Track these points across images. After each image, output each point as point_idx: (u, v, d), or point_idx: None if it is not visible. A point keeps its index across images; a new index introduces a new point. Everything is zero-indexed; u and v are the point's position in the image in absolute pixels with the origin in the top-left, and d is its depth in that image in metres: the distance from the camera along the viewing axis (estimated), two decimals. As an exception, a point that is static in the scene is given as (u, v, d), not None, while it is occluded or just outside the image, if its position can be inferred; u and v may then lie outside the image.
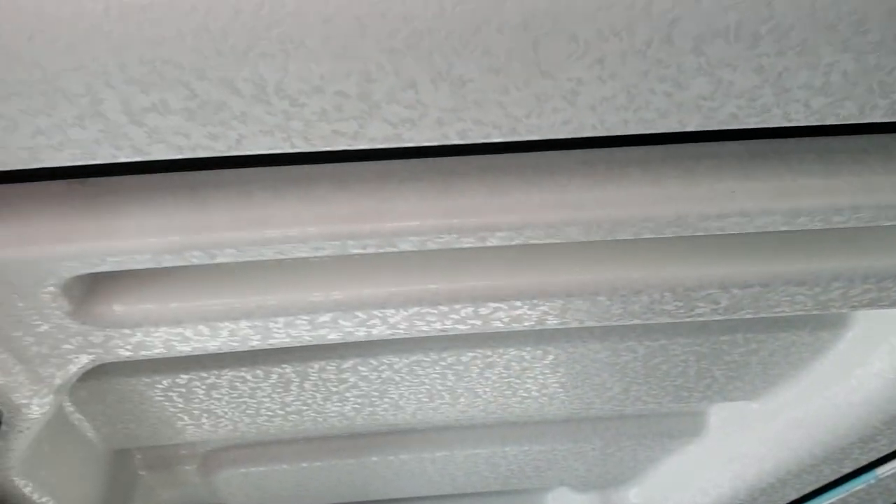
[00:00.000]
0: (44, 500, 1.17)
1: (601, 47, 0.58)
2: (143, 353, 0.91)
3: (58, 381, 0.92)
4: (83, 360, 0.91)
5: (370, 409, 1.35)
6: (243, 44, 0.55)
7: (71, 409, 1.23)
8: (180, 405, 1.26)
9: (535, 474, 1.71)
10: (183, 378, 1.19)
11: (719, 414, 1.56)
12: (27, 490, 1.12)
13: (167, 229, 0.72)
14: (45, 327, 0.83)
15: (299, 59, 0.56)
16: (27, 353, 0.86)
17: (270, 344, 0.93)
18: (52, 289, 0.78)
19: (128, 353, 0.91)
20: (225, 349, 0.93)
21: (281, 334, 0.91)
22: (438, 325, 0.93)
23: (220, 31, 0.54)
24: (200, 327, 0.88)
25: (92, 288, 0.84)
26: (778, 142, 0.77)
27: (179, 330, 0.88)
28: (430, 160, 0.76)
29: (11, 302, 0.78)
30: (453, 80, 0.59)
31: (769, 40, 0.57)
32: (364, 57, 0.57)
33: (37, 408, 0.92)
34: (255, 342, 0.92)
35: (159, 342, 0.90)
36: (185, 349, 0.92)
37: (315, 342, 0.94)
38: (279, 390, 1.25)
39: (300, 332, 0.91)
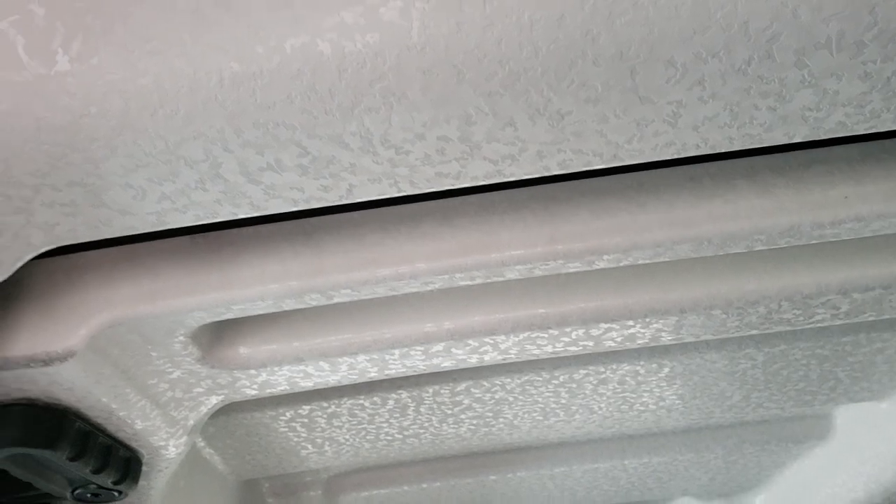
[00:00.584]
0: None
1: (700, 69, 0.57)
2: (269, 390, 0.95)
3: (191, 422, 0.97)
4: (213, 401, 0.96)
5: (485, 429, 1.36)
6: (349, 101, 0.57)
7: (202, 444, 1.29)
8: (303, 435, 1.30)
9: (657, 486, 1.68)
10: (305, 409, 1.23)
11: (846, 415, 1.50)
12: None
13: (286, 275, 0.76)
14: (177, 373, 0.88)
15: (402, 110, 0.58)
16: (162, 398, 0.91)
17: (387, 374, 0.96)
18: (181, 338, 0.82)
19: (254, 392, 0.95)
20: (345, 382, 0.96)
21: (397, 365, 0.94)
22: (549, 349, 0.94)
23: (327, 92, 0.56)
24: (321, 363, 0.91)
25: (218, 334, 0.89)
26: (890, 142, 0.74)
27: (301, 367, 0.91)
28: (531, 189, 0.77)
29: (146, 352, 0.83)
30: (551, 115, 0.60)
31: (874, 47, 0.56)
32: (463, 102, 0.58)
33: (173, 448, 0.97)
34: (373, 374, 0.95)
35: (283, 379, 0.93)
36: (307, 385, 0.95)
37: (429, 370, 0.96)
38: (396, 415, 1.28)
39: (415, 361, 0.94)
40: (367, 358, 0.92)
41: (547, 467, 1.55)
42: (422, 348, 0.91)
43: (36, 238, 0.65)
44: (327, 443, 1.34)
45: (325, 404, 1.23)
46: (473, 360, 0.95)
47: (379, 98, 0.57)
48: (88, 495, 0.94)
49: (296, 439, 1.32)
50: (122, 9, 0.54)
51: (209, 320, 0.79)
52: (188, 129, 0.58)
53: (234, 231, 0.78)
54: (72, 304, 0.76)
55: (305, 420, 1.26)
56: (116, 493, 0.95)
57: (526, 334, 0.90)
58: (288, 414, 1.24)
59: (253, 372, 0.91)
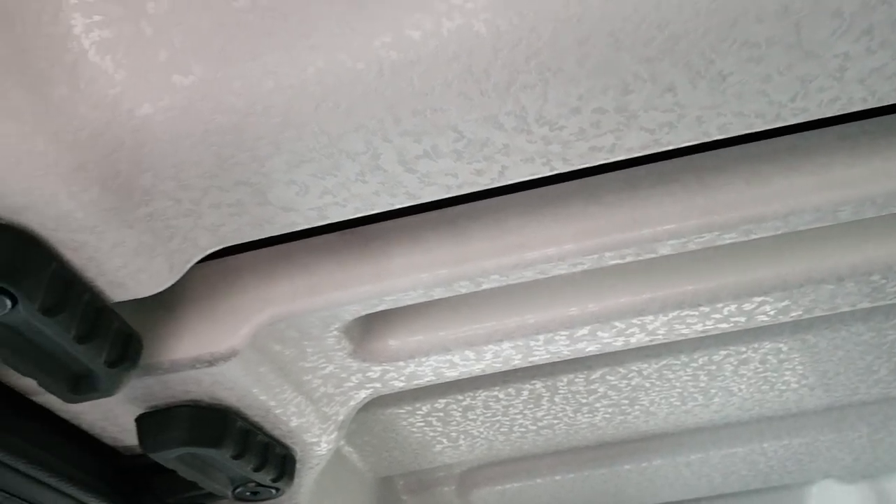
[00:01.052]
0: None
1: (868, 18, 0.55)
2: (415, 382, 0.96)
3: (341, 418, 0.99)
4: (362, 395, 0.97)
5: (620, 417, 1.34)
6: (504, 80, 0.57)
7: (342, 442, 1.32)
8: (439, 429, 1.31)
9: (797, 468, 1.62)
10: (441, 403, 1.24)
11: None
12: None
13: (435, 264, 0.76)
14: (329, 368, 0.90)
15: (558, 84, 0.57)
16: (315, 393, 0.93)
17: (531, 361, 0.95)
18: (335, 332, 0.84)
19: (401, 385, 0.96)
20: (489, 371, 0.96)
21: (541, 351, 0.93)
22: (699, 327, 0.91)
23: (483, 73, 0.56)
24: (467, 352, 0.91)
25: (368, 328, 0.90)
26: None
27: (448, 357, 0.92)
28: (679, 160, 0.75)
29: (302, 349, 0.85)
30: (712, 77, 0.58)
31: None
32: (620, 70, 0.57)
33: (325, 444, 0.99)
34: (517, 361, 0.95)
35: (429, 370, 0.94)
36: (452, 374, 0.96)
37: (574, 356, 0.95)
38: (530, 406, 1.27)
39: (559, 347, 0.93)
40: (512, 345, 0.91)
41: (683, 454, 1.52)
42: (566, 333, 0.90)
43: (203, 240, 0.68)
44: (462, 436, 1.35)
45: (460, 397, 1.23)
46: (619, 344, 0.93)
47: (535, 74, 0.57)
48: (248, 493, 0.97)
49: (431, 434, 1.33)
50: (281, 7, 0.55)
51: (362, 313, 0.80)
52: (349, 121, 0.59)
53: (380, 225, 0.79)
54: (232, 304, 0.78)
55: (441, 414, 1.27)
56: (274, 491, 0.97)
57: (675, 313, 0.88)
58: (424, 408, 1.25)
59: (401, 364, 0.92)
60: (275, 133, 0.59)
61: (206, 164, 0.61)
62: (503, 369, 0.96)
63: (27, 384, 0.81)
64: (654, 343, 0.94)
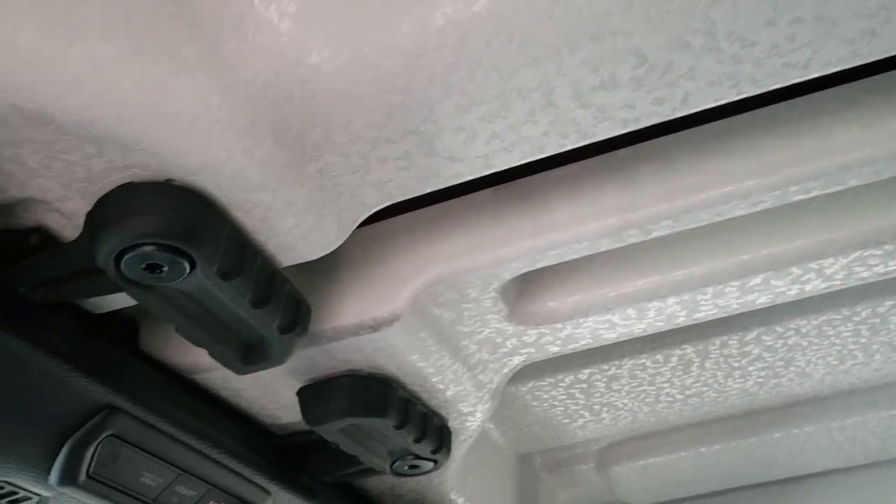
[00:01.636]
0: (462, 501, 1.22)
1: None
2: (571, 346, 0.92)
3: (494, 385, 0.96)
4: (515, 362, 0.94)
5: (774, 381, 1.27)
6: None
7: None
8: (581, 401, 1.27)
9: (964, 431, 1.51)
10: (584, 373, 1.20)
11: None
12: (454, 496, 1.18)
13: (601, 213, 0.72)
14: (485, 333, 0.87)
15: (753, -8, 0.53)
16: (471, 360, 0.90)
17: (696, 319, 0.90)
18: (493, 294, 0.81)
19: (556, 349, 0.93)
20: (650, 331, 0.91)
21: (708, 306, 0.88)
22: (881, 269, 0.85)
23: None
24: (628, 311, 0.87)
25: (524, 288, 0.87)
26: None
27: (608, 317, 0.88)
28: (865, 81, 0.69)
29: (460, 312, 0.83)
30: None
31: None
32: (823, -29, 0.52)
33: (479, 414, 0.96)
34: (681, 318, 0.90)
35: (587, 332, 0.90)
36: (610, 336, 0.91)
37: (743, 309, 0.89)
38: (679, 373, 1.22)
39: (728, 300, 0.87)
40: (677, 300, 0.86)
41: (838, 418, 1.43)
42: (737, 283, 0.84)
43: (370, 197, 0.66)
44: (605, 409, 1.30)
45: (605, 366, 1.19)
46: (793, 293, 0.87)
47: None
48: (406, 467, 0.95)
49: (573, 407, 1.28)
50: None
51: (523, 270, 0.77)
52: (523, 54, 0.55)
53: (539, 176, 0.76)
54: (391, 267, 0.76)
55: (584, 385, 1.23)
56: (432, 464, 0.95)
57: (856, 254, 0.82)
58: (567, 380, 1.21)
59: (558, 326, 0.88)
60: (445, 74, 0.56)
61: (375, 114, 0.58)
62: (665, 328, 0.91)
63: (188, 362, 0.82)
64: (830, 290, 0.88)
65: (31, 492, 0.71)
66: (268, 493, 0.88)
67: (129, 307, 0.81)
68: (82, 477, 0.69)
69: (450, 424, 0.96)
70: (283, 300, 0.67)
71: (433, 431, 0.91)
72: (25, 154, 0.54)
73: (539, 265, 0.77)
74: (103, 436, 0.69)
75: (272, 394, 0.88)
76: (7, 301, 0.63)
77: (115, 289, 0.62)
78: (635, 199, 0.72)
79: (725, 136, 0.71)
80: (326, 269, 0.78)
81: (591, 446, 1.51)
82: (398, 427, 0.85)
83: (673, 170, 0.71)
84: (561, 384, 1.22)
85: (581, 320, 0.88)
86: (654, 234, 0.74)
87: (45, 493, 0.72)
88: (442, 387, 0.89)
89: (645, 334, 0.92)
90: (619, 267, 0.86)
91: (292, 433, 0.97)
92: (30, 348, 0.64)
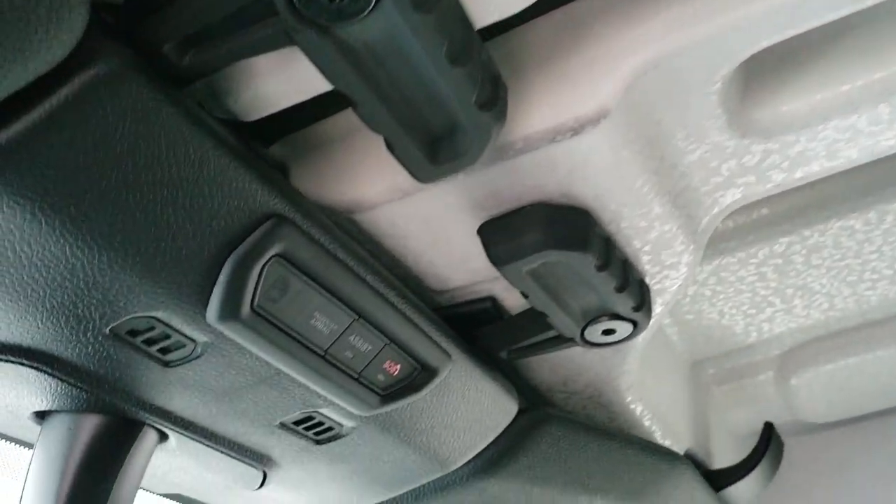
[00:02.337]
0: (645, 414, 1.07)
1: None
2: (800, 172, 0.76)
3: (702, 228, 0.80)
4: (728, 200, 0.78)
5: None
6: None
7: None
8: (773, 284, 1.10)
9: None
10: (782, 243, 1.03)
11: None
12: (630, 399, 1.03)
13: None
14: (698, 153, 0.72)
15: None
16: (679, 190, 0.74)
17: None
18: (717, 90, 0.65)
19: (781, 177, 0.76)
20: None
21: None
22: None
23: None
24: (880, 107, 0.69)
25: (747, 88, 0.71)
26: None
27: (852, 119, 0.70)
28: None
29: (674, 116, 0.67)
30: None
31: None
32: None
33: (684, 269, 0.81)
34: None
35: (822, 149, 0.73)
36: (850, 155, 0.74)
37: None
38: (892, 238, 1.03)
39: None
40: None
41: None
42: None
43: None
44: (798, 294, 1.13)
45: (806, 233, 1.02)
46: None
47: None
48: (600, 333, 0.81)
49: (763, 292, 1.12)
50: None
51: (764, 42, 0.61)
52: None
53: None
54: (594, 52, 0.61)
55: (779, 261, 1.06)
56: (631, 327, 0.80)
57: None
58: (760, 254, 1.04)
59: (791, 138, 0.71)
60: None
61: None
62: None
63: (348, 199, 0.69)
64: None
65: (185, 335, 0.60)
66: (449, 357, 0.75)
67: (280, 147, 0.70)
68: (245, 309, 0.57)
69: (648, 281, 0.81)
70: (480, 66, 0.54)
71: (634, 285, 0.76)
72: None
73: (779, 36, 0.61)
74: (270, 254, 0.57)
75: (445, 241, 0.74)
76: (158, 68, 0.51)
77: (285, 41, 0.49)
78: None
79: None
80: (509, 61, 0.63)
81: (772, 350, 1.32)
82: (600, 267, 0.70)
83: None
84: (752, 260, 1.05)
85: (819, 127, 0.71)
86: None
87: (201, 338, 0.61)
88: (644, 224, 0.73)
89: (893, 152, 0.75)
90: (867, 51, 0.69)
91: (460, 303, 0.84)
92: (207, 139, 0.52)
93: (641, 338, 0.91)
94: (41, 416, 0.69)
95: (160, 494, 0.96)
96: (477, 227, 0.71)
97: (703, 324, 1.18)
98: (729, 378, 1.39)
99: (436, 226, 0.72)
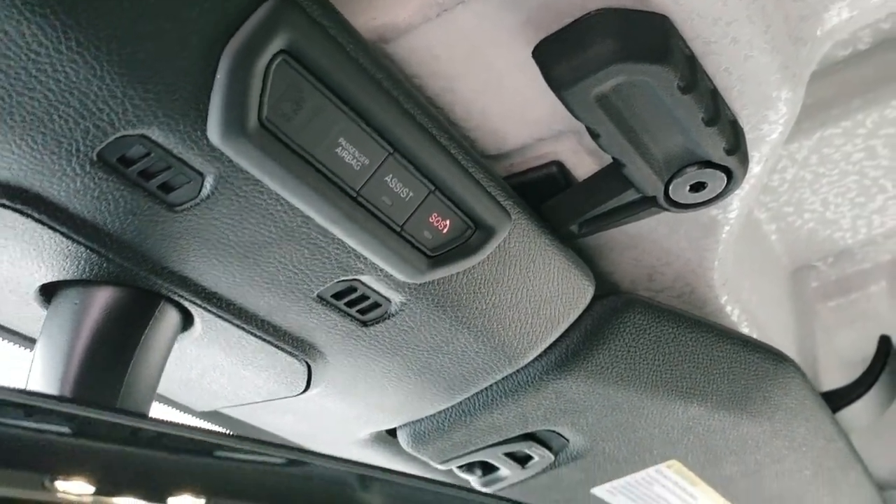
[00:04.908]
0: (743, 319, 0.93)
1: None
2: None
3: (801, 60, 0.67)
4: (832, 20, 0.64)
5: None
6: None
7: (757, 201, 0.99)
8: (884, 161, 0.95)
9: None
10: (894, 106, 0.88)
11: None
12: (726, 299, 0.89)
13: None
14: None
15: None
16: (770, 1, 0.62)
17: None
18: None
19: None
20: None
21: None
22: None
23: None
24: None
25: None
26: None
27: None
28: None
29: None
30: None
31: None
32: None
33: (784, 109, 0.67)
34: None
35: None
36: None
37: None
38: None
39: None
40: None
41: None
42: None
43: None
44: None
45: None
46: None
47: None
48: (687, 188, 0.68)
49: (873, 174, 0.97)
50: None
51: None
52: None
53: None
54: None
55: (891, 130, 0.91)
56: (724, 180, 0.67)
57: None
58: (868, 121, 0.90)
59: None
60: None
61: None
62: None
63: (374, 26, 0.59)
64: None
65: (186, 163, 0.50)
66: (508, 215, 0.64)
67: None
68: (252, 121, 0.47)
69: (743, 125, 0.68)
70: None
71: (725, 120, 0.64)
72: None
73: None
74: (274, 48, 0.46)
75: (497, 80, 0.63)
76: None
77: None
78: None
79: None
80: None
81: (882, 254, 1.16)
82: (685, 89, 0.58)
83: None
84: (860, 131, 0.91)
85: None
86: None
87: (207, 168, 0.51)
88: (734, 46, 0.61)
89: None
90: None
91: (522, 172, 0.73)
92: None
93: (736, 212, 0.78)
94: (48, 295, 0.61)
95: (199, 415, 0.88)
96: (532, 48, 0.60)
97: (804, 218, 1.04)
98: (835, 292, 1.23)
99: (484, 56, 0.61)
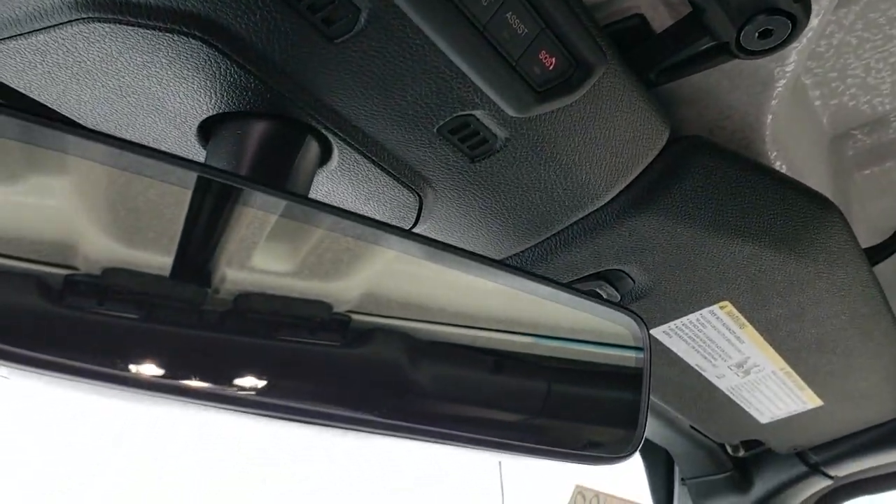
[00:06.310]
0: (785, 169, 1.02)
1: None
2: None
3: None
4: None
5: None
6: None
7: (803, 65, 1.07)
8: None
9: None
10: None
11: None
12: (775, 155, 0.98)
13: None
14: None
15: None
16: None
17: None
18: None
19: None
20: None
21: None
22: None
23: None
24: None
25: None
26: None
27: None
28: None
29: None
30: None
31: None
32: None
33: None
34: None
35: None
36: None
37: None
38: None
39: None
40: None
41: None
42: None
43: None
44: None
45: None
46: None
47: None
48: (756, 35, 0.77)
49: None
50: None
51: None
52: None
53: None
54: None
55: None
56: (788, 26, 0.76)
57: None
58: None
59: None
60: None
61: None
62: None
63: None
64: None
65: (351, 3, 0.60)
66: (605, 55, 0.73)
67: None
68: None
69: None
70: None
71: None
72: None
73: None
74: None
75: None
76: None
77: None
78: None
79: None
80: None
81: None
82: (762, -65, 0.66)
83: None
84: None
85: None
86: None
87: (362, 2, 0.60)
88: None
89: None
90: None
91: (605, 25, 0.82)
92: None
93: (793, 66, 0.87)
94: (204, 133, 0.71)
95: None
96: None
97: (846, 83, 1.12)
98: (870, 160, 1.32)
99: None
